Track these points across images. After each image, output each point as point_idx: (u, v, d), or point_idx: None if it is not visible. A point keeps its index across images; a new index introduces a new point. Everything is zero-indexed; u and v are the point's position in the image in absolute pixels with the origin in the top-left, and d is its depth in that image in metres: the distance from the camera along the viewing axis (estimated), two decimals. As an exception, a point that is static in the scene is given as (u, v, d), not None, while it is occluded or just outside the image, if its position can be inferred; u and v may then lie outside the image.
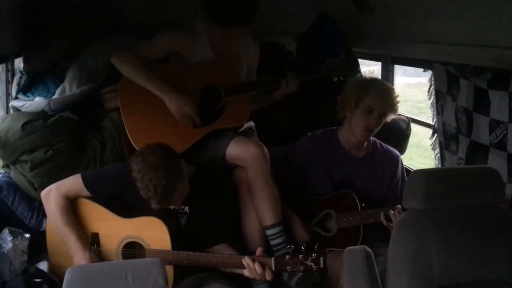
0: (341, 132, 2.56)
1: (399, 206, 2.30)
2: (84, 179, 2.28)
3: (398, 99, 2.45)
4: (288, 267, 2.00)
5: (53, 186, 2.29)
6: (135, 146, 2.40)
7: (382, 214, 2.34)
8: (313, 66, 2.67)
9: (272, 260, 2.04)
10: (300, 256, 1.98)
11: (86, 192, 2.28)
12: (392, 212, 2.31)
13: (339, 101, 2.53)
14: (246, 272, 2.07)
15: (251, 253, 2.33)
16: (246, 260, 2.05)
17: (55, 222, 2.26)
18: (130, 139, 2.45)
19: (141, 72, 2.43)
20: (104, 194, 2.28)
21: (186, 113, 2.38)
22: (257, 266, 2.03)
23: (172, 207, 2.19)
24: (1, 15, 2.47)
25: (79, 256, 2.19)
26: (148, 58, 2.50)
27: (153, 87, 2.39)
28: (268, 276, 2.03)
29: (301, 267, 1.98)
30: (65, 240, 2.23)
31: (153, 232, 2.17)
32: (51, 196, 2.26)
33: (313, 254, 1.98)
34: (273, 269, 2.04)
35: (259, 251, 2.09)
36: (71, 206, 2.27)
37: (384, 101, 2.40)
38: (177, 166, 2.10)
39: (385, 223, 2.33)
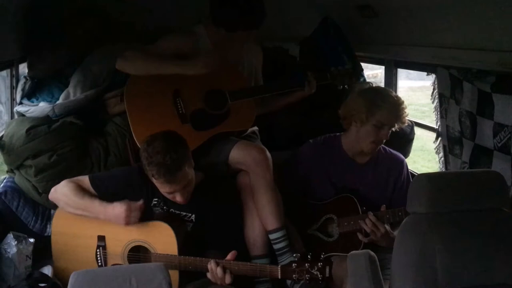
0: (345, 139, 2.54)
1: (371, 213, 2.34)
2: (91, 180, 2.30)
3: (406, 110, 2.44)
4: (294, 275, 2.01)
5: (58, 184, 2.30)
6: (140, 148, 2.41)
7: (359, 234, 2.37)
8: (319, 74, 2.67)
9: (279, 268, 2.04)
10: (306, 264, 2.00)
11: (93, 192, 2.28)
12: (364, 220, 2.34)
13: (344, 110, 2.49)
14: (208, 275, 2.08)
15: (254, 258, 2.34)
16: (210, 264, 2.05)
17: (72, 203, 2.23)
18: (136, 141, 2.46)
19: (151, 60, 2.44)
20: (110, 196, 2.27)
21: (214, 62, 2.40)
22: (219, 270, 2.03)
23: (179, 199, 2.18)
24: (6, 21, 2.48)
25: (112, 209, 2.16)
26: None
27: (168, 68, 2.40)
28: (227, 280, 2.03)
29: (307, 276, 1.99)
30: (90, 213, 2.21)
31: (159, 237, 2.18)
32: (59, 186, 2.28)
33: (319, 263, 1.99)
34: (279, 277, 2.04)
35: (231, 254, 2.08)
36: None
37: (395, 116, 2.39)
38: (185, 146, 2.15)
39: (360, 237, 2.36)
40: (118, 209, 2.15)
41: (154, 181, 2.15)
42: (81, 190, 2.25)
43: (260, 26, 2.46)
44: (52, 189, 2.32)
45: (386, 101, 2.39)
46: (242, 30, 2.45)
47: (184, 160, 2.12)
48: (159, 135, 2.14)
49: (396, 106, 2.40)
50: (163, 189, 2.17)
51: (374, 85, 2.80)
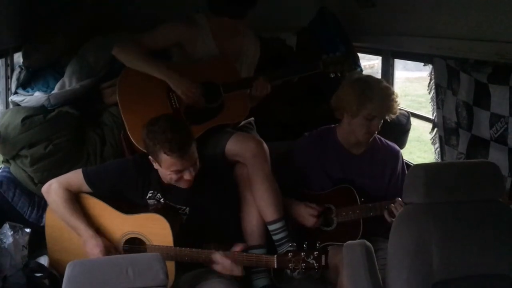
0: (340, 131, 2.53)
1: (399, 199, 2.30)
2: (85, 175, 2.26)
3: (397, 99, 2.42)
4: (290, 265, 2.03)
5: (53, 181, 2.28)
6: (133, 141, 2.40)
7: (386, 212, 2.33)
8: (311, 62, 2.66)
9: (274, 258, 2.06)
10: (302, 254, 2.01)
11: (87, 188, 2.27)
12: (393, 205, 2.31)
13: (336, 101, 2.48)
14: (216, 267, 2.10)
15: (251, 248, 2.34)
16: (215, 256, 2.07)
17: (60, 214, 2.23)
18: (129, 134, 2.45)
19: (144, 59, 2.45)
20: (105, 190, 2.27)
21: (193, 93, 2.44)
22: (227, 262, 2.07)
23: (183, 185, 2.17)
24: (1, 10, 2.46)
25: (91, 242, 2.17)
26: (150, 49, 2.51)
27: (157, 72, 2.44)
28: (239, 272, 2.07)
29: (303, 265, 2.01)
30: (74, 230, 2.21)
31: (155, 228, 2.17)
32: (52, 190, 2.25)
33: (314, 252, 2.00)
34: (275, 266, 2.06)
35: (239, 247, 2.11)
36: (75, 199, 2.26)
37: (386, 108, 2.38)
38: (188, 126, 2.17)
39: (389, 219, 2.32)
40: (96, 249, 2.15)
41: (164, 159, 2.08)
42: (72, 203, 2.22)
43: (247, 15, 2.47)
44: (46, 185, 2.28)
45: (376, 93, 2.36)
46: (229, 18, 2.46)
47: (191, 135, 2.13)
48: (160, 117, 2.13)
49: (386, 98, 2.37)
50: (175, 166, 2.09)
51: (364, 75, 2.75)
